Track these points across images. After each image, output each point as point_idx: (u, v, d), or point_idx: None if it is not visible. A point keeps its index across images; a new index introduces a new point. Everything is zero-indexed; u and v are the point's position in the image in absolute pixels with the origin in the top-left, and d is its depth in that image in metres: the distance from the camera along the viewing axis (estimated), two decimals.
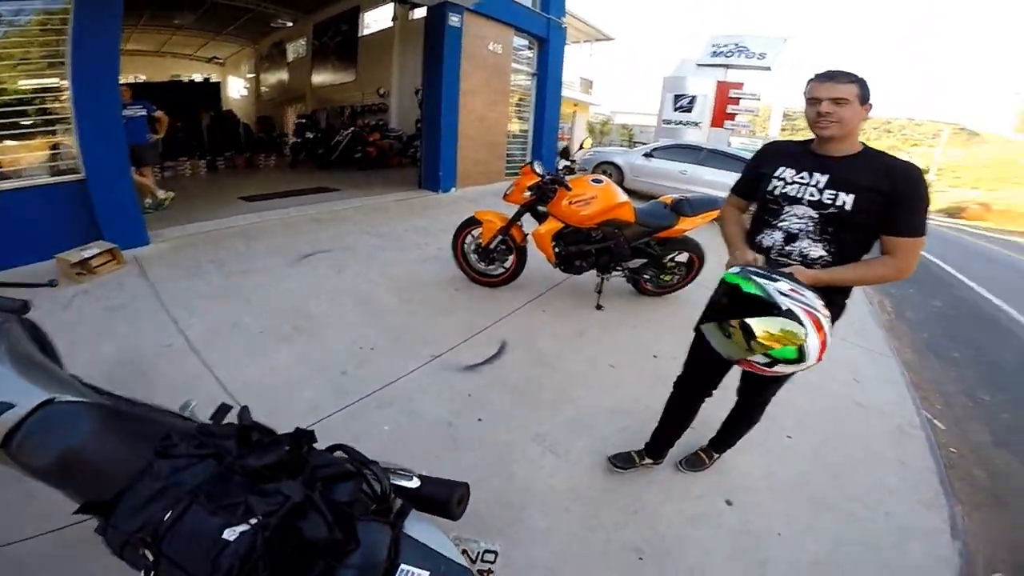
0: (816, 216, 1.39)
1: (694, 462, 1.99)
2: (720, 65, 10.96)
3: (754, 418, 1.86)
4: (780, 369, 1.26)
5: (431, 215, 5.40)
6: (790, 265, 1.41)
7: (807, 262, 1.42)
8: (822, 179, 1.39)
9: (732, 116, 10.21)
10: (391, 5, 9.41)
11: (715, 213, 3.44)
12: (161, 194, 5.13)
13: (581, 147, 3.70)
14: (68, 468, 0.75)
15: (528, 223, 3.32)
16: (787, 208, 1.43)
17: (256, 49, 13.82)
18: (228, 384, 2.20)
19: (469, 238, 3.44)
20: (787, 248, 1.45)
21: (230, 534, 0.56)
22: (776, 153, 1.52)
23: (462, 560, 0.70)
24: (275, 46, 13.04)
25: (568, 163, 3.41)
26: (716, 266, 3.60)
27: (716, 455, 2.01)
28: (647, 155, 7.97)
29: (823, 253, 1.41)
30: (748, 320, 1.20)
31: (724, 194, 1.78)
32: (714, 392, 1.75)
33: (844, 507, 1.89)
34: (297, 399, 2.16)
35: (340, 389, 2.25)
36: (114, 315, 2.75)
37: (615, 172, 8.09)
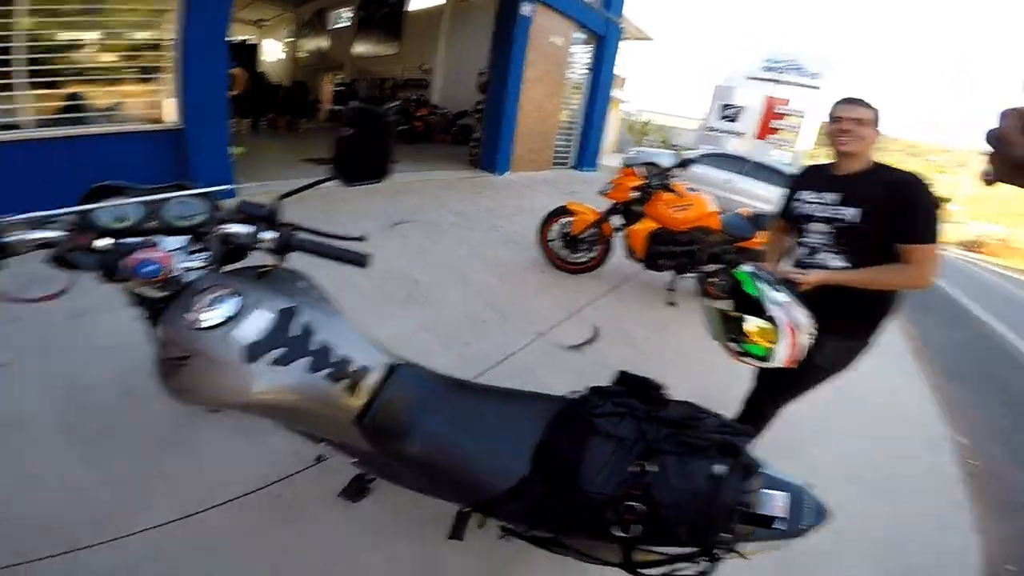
0: (830, 231, 1.55)
1: None
2: (770, 80, 11.06)
3: (757, 427, 1.87)
4: (748, 361, 1.47)
5: (495, 197, 5.53)
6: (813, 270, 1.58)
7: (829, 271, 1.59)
8: (834, 197, 1.54)
9: (775, 131, 10.31)
10: None
11: None
12: (233, 148, 5.26)
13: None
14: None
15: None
16: (808, 226, 1.60)
17: (297, 14, 13.82)
18: None
19: (556, 226, 3.58)
20: (810, 260, 1.61)
21: (719, 469, 0.71)
22: (801, 178, 1.70)
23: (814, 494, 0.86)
24: (318, 13, 13.04)
25: (678, 168, 3.50)
26: None
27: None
28: (691, 161, 8.06)
29: (843, 264, 1.54)
30: (746, 316, 1.41)
31: (766, 206, 1.92)
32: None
33: (894, 497, 2.19)
34: (434, 366, 2.28)
35: (467, 359, 2.37)
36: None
37: None
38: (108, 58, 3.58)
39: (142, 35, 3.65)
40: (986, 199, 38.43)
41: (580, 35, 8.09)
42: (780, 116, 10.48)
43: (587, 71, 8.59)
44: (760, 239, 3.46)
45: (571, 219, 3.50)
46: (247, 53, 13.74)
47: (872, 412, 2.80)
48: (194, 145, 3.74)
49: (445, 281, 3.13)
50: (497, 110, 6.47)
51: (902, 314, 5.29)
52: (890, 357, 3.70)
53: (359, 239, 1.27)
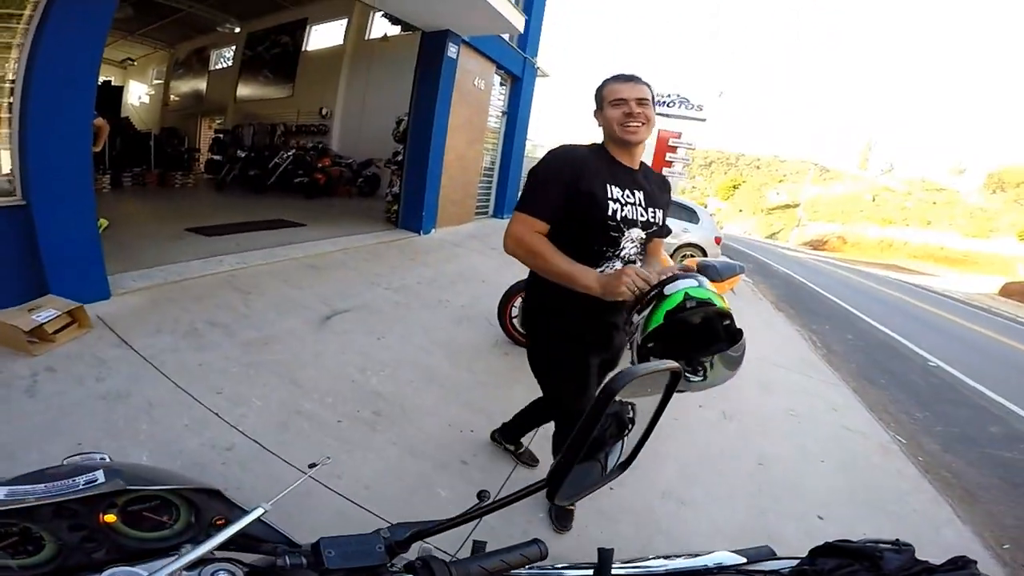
0: (644, 237, 1.40)
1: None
2: (660, 115, 12.07)
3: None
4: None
5: (429, 263, 5.11)
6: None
7: None
8: (640, 196, 1.37)
9: (670, 163, 11.23)
10: (343, 21, 8.93)
11: (738, 278, 3.81)
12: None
13: None
14: None
15: None
16: (626, 233, 1.35)
17: (172, 53, 12.38)
18: (345, 491, 1.81)
19: (519, 301, 3.35)
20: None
21: None
22: (586, 165, 1.31)
23: None
24: (196, 52, 11.78)
25: None
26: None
27: (508, 443, 2.17)
28: None
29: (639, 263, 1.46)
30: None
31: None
32: None
33: (886, 508, 2.40)
34: (436, 499, 1.90)
35: (472, 480, 2.03)
36: (115, 405, 2.07)
37: None
38: None
39: None
40: (819, 203, 46.04)
41: (498, 77, 8.09)
42: (673, 149, 11.47)
43: (502, 114, 8.61)
44: (716, 288, 3.61)
45: None
46: (110, 97, 11.76)
47: (828, 431, 3.16)
48: (45, 226, 2.75)
49: (410, 385, 2.69)
50: (421, 161, 6.02)
51: (803, 325, 6.34)
52: (813, 370, 4.34)
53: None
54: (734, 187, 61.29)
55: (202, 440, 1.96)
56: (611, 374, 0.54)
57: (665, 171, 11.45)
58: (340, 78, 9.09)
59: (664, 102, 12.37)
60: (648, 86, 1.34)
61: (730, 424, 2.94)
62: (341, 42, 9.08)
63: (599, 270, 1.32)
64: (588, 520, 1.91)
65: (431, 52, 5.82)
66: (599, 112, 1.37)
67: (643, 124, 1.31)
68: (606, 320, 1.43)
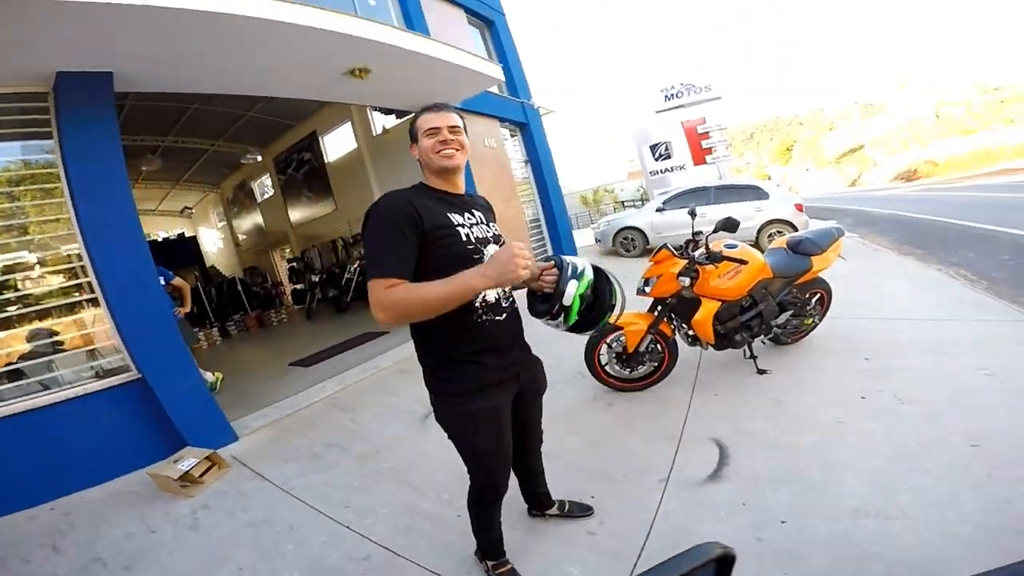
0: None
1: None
2: (676, 107, 11.76)
3: (540, 440, 1.84)
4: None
5: None
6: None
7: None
8: (478, 214, 1.43)
9: (709, 150, 10.73)
10: (347, 124, 8.72)
11: (841, 242, 3.35)
12: (209, 377, 4.64)
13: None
14: None
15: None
16: (485, 252, 1.35)
17: (220, 192, 12.96)
18: None
19: (605, 347, 3.12)
20: (505, 290, 1.45)
21: None
22: (419, 205, 1.27)
23: None
24: (240, 187, 12.19)
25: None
26: (842, 295, 3.51)
27: (553, 506, 2.01)
28: (659, 210, 8.10)
29: None
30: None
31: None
32: None
33: None
34: None
35: (604, 551, 1.85)
36: (263, 531, 2.30)
37: (638, 236, 8.13)
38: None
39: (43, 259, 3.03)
40: (886, 135, 41.74)
41: (505, 130, 8.24)
42: (706, 135, 10.99)
43: (525, 162, 8.72)
44: (819, 266, 3.20)
45: (619, 334, 3.05)
46: (188, 250, 12.91)
47: None
48: (163, 394, 3.10)
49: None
50: None
51: (946, 263, 5.41)
52: (981, 311, 3.60)
53: None
54: (788, 149, 57.55)
55: (340, 554, 2.07)
56: None
57: (709, 159, 10.99)
58: (369, 178, 8.90)
59: (670, 95, 12.05)
60: (458, 114, 1.39)
61: (911, 408, 2.43)
62: (355, 144, 8.91)
63: (480, 296, 1.35)
64: (763, 563, 1.63)
65: None
66: (414, 145, 1.41)
67: (457, 150, 1.35)
68: (512, 350, 1.46)
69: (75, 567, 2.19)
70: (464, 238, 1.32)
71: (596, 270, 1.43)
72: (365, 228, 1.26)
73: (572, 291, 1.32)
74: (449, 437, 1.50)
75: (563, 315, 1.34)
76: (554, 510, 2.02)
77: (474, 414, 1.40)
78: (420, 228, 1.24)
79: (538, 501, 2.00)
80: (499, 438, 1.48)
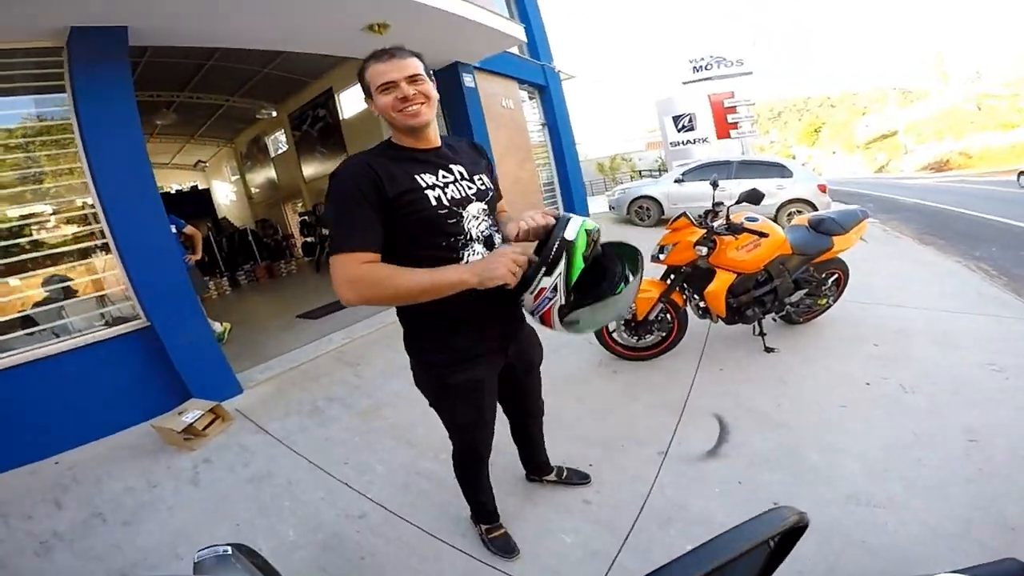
0: (486, 207, 1.28)
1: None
2: (703, 79, 11.28)
3: (539, 411, 1.79)
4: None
5: None
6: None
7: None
8: (457, 170, 1.25)
9: (735, 125, 10.35)
10: None
11: (865, 224, 3.24)
12: (218, 327, 4.70)
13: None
14: None
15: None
16: (464, 213, 1.22)
17: (234, 147, 12.86)
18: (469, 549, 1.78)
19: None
20: (522, 226, 1.23)
21: None
22: (381, 169, 1.14)
23: None
24: (254, 142, 12.09)
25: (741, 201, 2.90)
26: (858, 279, 3.45)
27: (551, 472, 2.01)
28: (678, 181, 7.90)
29: (497, 233, 1.32)
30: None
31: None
32: None
33: None
34: (562, 545, 1.76)
35: (599, 520, 1.87)
36: (262, 486, 2.34)
37: (654, 205, 7.96)
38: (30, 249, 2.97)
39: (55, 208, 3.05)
40: (921, 124, 40.08)
41: (524, 92, 8.00)
42: (732, 110, 10.56)
43: (542, 125, 8.50)
44: (841, 246, 3.11)
45: None
46: (201, 202, 12.95)
47: None
48: (172, 344, 3.13)
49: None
50: None
51: (967, 256, 5.23)
52: (998, 306, 3.50)
53: None
54: (815, 131, 55.56)
55: (337, 511, 2.09)
56: None
57: (734, 134, 10.60)
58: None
59: (699, 67, 11.56)
60: (416, 56, 1.18)
61: (915, 398, 2.40)
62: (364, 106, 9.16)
63: (463, 261, 1.21)
64: None
65: (449, 87, 5.88)
66: (370, 101, 1.22)
67: (423, 103, 1.17)
68: (498, 324, 1.34)
69: (76, 522, 2.22)
70: (434, 201, 1.16)
71: (614, 244, 1.21)
72: (329, 197, 1.15)
73: (578, 223, 1.09)
74: (429, 404, 1.46)
75: (565, 263, 1.07)
76: (552, 476, 2.03)
77: (451, 387, 1.34)
78: (384, 195, 1.11)
79: (536, 467, 2.00)
80: (478, 411, 1.44)
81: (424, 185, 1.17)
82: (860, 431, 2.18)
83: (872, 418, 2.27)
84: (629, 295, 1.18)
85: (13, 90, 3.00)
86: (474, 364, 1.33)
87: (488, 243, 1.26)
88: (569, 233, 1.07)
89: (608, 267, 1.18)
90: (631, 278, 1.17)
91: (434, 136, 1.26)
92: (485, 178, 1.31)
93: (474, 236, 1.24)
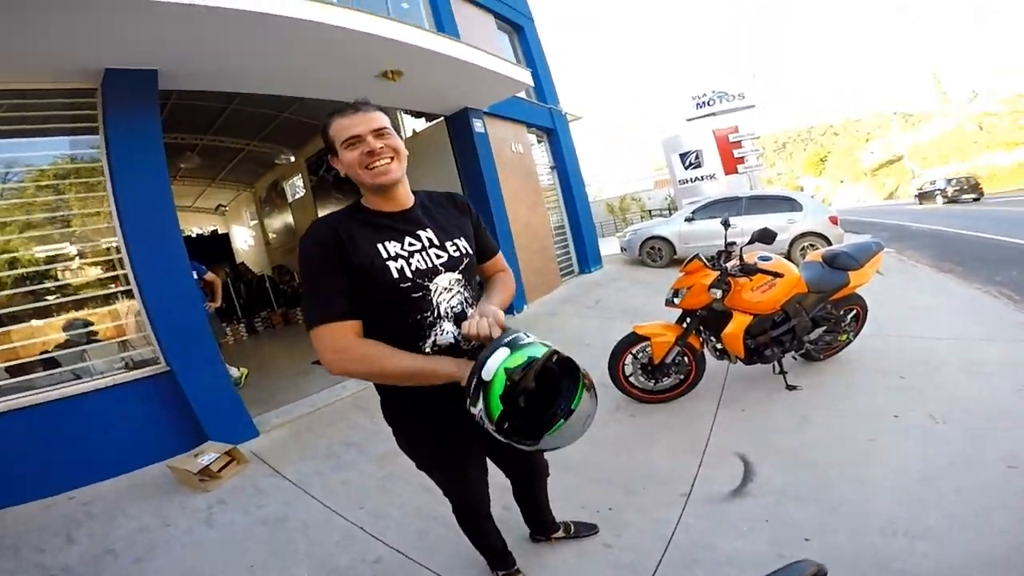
0: (459, 277, 1.20)
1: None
2: (707, 115, 11.58)
3: (542, 472, 1.71)
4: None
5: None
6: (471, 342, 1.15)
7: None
8: (426, 236, 1.18)
9: (741, 159, 10.51)
10: None
11: (880, 257, 3.22)
12: (235, 372, 4.75)
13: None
14: None
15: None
16: (432, 286, 1.14)
17: (254, 192, 13.06)
18: None
19: (629, 358, 3.06)
20: (462, 331, 1.11)
21: None
22: (345, 234, 1.09)
23: None
24: (272, 187, 12.22)
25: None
26: (877, 312, 3.46)
27: (558, 530, 1.92)
28: (689, 219, 7.95)
29: (473, 300, 1.24)
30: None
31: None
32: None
33: None
34: None
35: (620, 564, 1.80)
36: (276, 528, 2.32)
37: (665, 246, 7.99)
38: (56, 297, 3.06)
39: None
40: (926, 147, 40.16)
41: (532, 135, 8.17)
42: (738, 144, 10.76)
43: (551, 168, 8.68)
44: (857, 281, 3.07)
45: (646, 345, 2.99)
46: (220, 246, 13.12)
47: None
48: (191, 388, 3.17)
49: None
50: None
51: (986, 280, 5.15)
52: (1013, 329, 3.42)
53: None
54: (822, 160, 56.01)
55: (352, 555, 2.07)
56: None
57: (741, 168, 10.74)
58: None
59: (702, 103, 11.88)
60: (380, 110, 1.14)
61: (947, 427, 2.33)
62: None
63: (431, 340, 1.16)
64: None
65: (460, 133, 6.05)
66: (336, 159, 1.17)
67: (392, 158, 1.12)
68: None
69: (87, 557, 2.23)
70: (396, 274, 1.09)
71: (558, 355, 1.03)
72: (300, 264, 1.11)
73: (497, 361, 0.98)
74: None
75: (483, 400, 0.99)
76: (560, 533, 1.95)
77: (415, 446, 1.32)
78: (347, 265, 1.07)
79: (541, 527, 1.91)
80: (446, 467, 1.38)
81: (386, 256, 1.11)
82: (891, 463, 2.12)
83: (903, 450, 2.20)
84: (568, 432, 1.05)
85: (47, 131, 3.15)
86: (422, 417, 1.25)
87: (459, 319, 1.17)
88: (486, 373, 0.98)
89: (560, 391, 1.05)
90: (572, 413, 1.03)
91: (404, 196, 1.19)
92: (461, 242, 1.23)
93: (443, 312, 1.16)
